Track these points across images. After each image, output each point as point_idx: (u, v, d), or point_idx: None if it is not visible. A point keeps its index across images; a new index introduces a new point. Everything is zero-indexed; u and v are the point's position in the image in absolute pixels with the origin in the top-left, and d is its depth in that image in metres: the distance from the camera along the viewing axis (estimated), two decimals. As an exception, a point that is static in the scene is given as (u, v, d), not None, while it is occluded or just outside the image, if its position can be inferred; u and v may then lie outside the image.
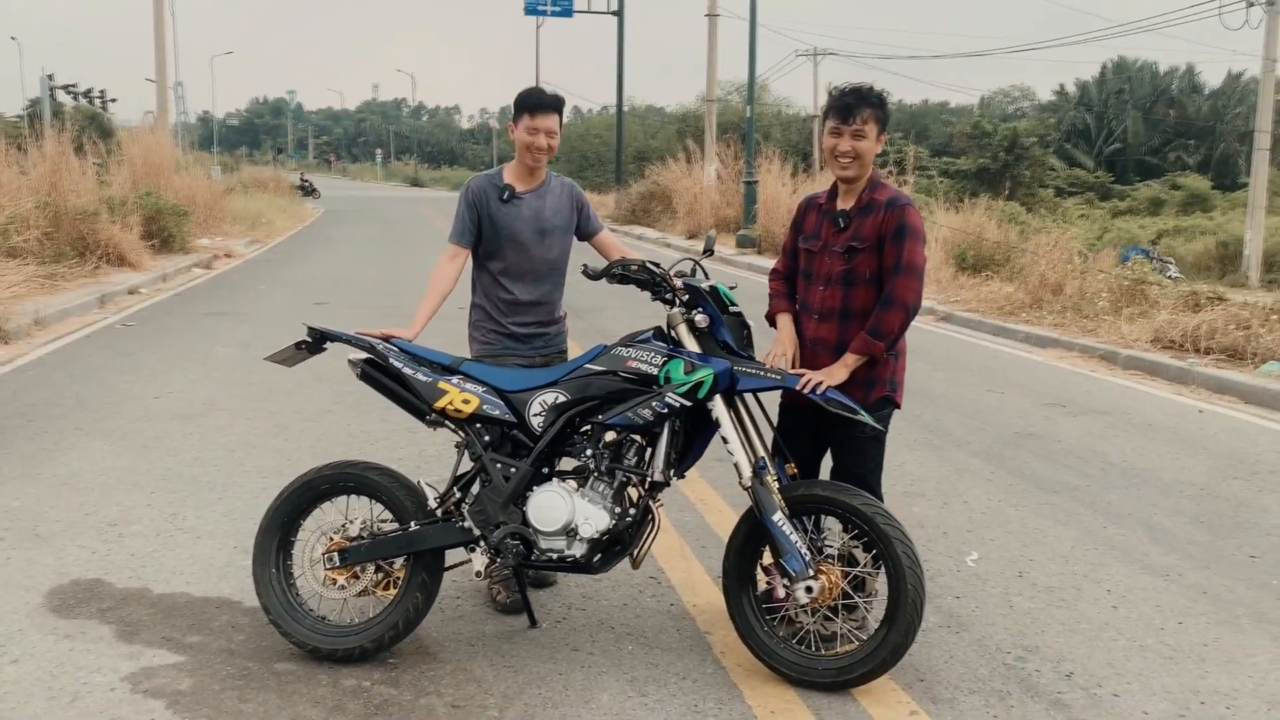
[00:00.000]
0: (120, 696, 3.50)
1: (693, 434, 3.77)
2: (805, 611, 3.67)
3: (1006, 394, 8.70)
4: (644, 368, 3.66)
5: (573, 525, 3.66)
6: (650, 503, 3.73)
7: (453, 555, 3.86)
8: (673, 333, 3.76)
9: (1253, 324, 9.98)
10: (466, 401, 3.75)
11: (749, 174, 23.34)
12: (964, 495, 5.87)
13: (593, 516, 3.65)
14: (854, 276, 3.85)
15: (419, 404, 3.81)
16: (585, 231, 4.46)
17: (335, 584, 3.83)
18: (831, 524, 3.75)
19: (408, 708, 3.47)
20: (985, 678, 3.75)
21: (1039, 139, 49.70)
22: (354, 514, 3.89)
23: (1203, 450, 7.01)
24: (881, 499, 3.85)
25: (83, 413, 7.29)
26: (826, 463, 4.08)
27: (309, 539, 3.90)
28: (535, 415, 3.74)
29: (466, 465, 3.88)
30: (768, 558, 3.71)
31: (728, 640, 3.91)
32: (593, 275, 3.88)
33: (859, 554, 3.67)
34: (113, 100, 32.16)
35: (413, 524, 3.77)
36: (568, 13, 34.54)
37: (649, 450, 3.72)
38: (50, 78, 26.49)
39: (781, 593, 3.66)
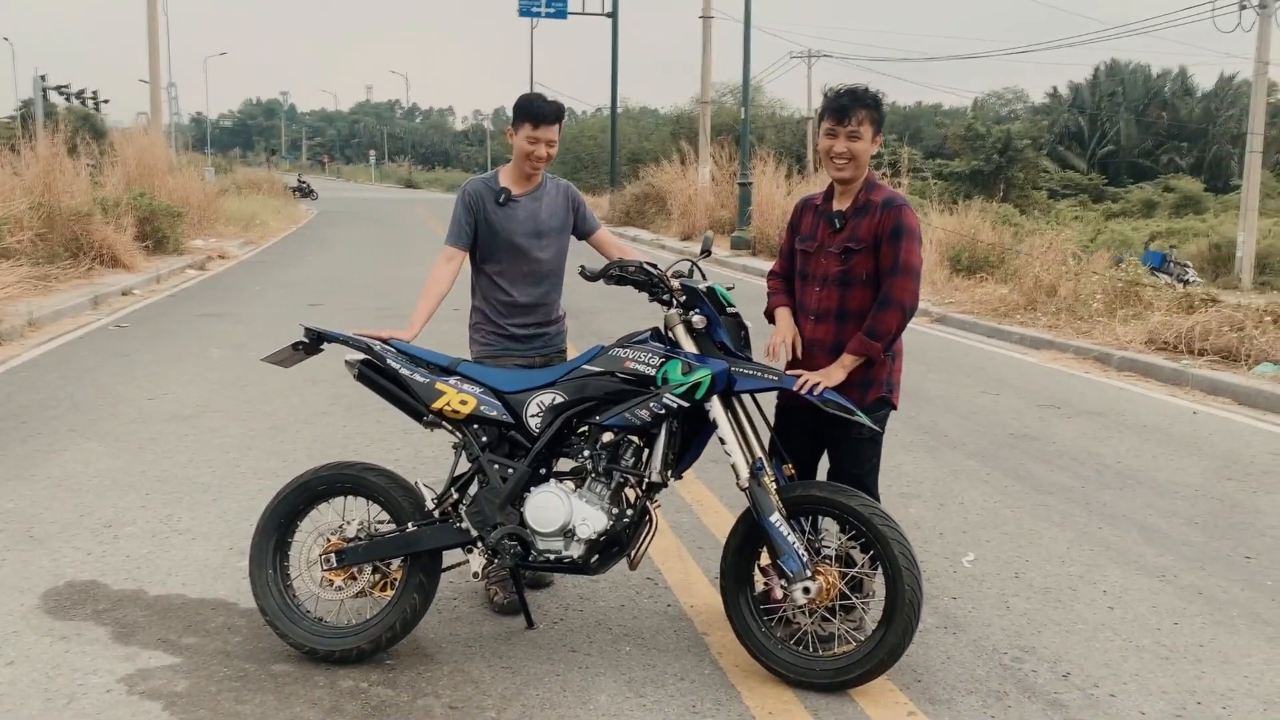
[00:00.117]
0: (116, 698, 3.49)
1: (690, 435, 3.77)
2: (803, 612, 3.67)
3: (1001, 395, 8.72)
4: (641, 369, 3.66)
5: (570, 526, 3.66)
6: (648, 503, 3.73)
7: (450, 556, 3.86)
8: (670, 334, 3.76)
9: (1246, 325, 10.01)
10: (464, 402, 3.75)
11: (743, 176, 23.35)
12: (960, 496, 5.88)
13: (590, 517, 3.65)
14: (850, 277, 3.85)
15: (416, 405, 3.80)
16: (582, 231, 4.47)
17: (332, 585, 3.82)
18: (829, 525, 3.76)
19: (405, 709, 3.46)
20: (982, 678, 3.76)
21: (1032, 141, 49.82)
22: (351, 515, 3.89)
23: (1197, 451, 7.03)
24: (878, 500, 3.85)
25: (77, 414, 7.28)
26: (824, 464, 4.09)
27: (306, 540, 3.89)
28: (533, 416, 3.74)
29: (464, 466, 3.88)
30: (765, 558, 3.71)
31: (725, 641, 3.91)
32: (590, 276, 3.88)
33: (856, 555, 3.67)
34: (105, 101, 31.97)
35: (410, 525, 3.77)
36: (562, 14, 34.53)
37: (646, 451, 3.72)
38: (43, 78, 26.37)
39: (779, 593, 3.66)
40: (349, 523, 3.86)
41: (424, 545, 3.75)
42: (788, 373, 3.77)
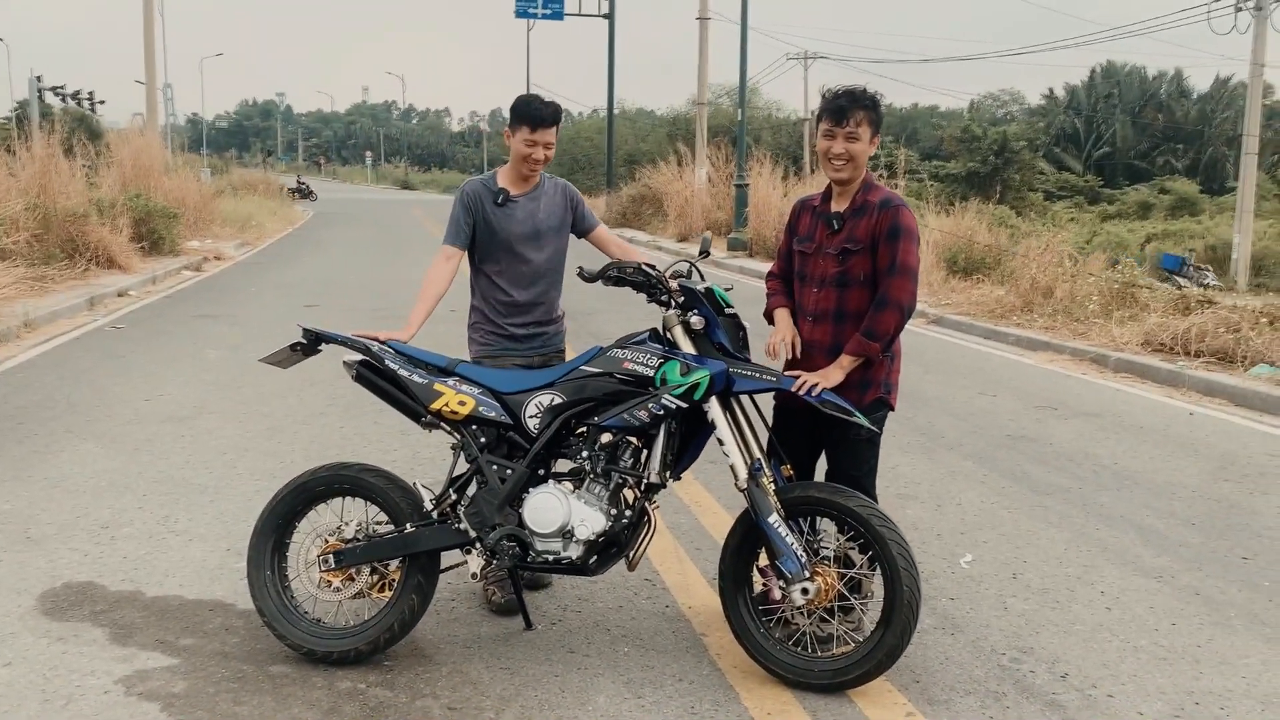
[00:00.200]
0: (114, 699, 3.48)
1: (688, 436, 3.77)
2: (801, 613, 3.67)
3: (998, 397, 8.73)
4: (640, 369, 3.66)
5: (569, 527, 3.65)
6: (646, 504, 3.73)
7: (449, 557, 3.86)
8: (668, 334, 3.76)
9: (1242, 327, 10.03)
10: (462, 403, 3.75)
11: (740, 177, 23.36)
12: (957, 497, 5.89)
13: (589, 518, 3.65)
14: (848, 278, 3.85)
15: (414, 406, 3.80)
16: (582, 229, 4.48)
17: (330, 586, 3.82)
18: (827, 526, 3.76)
19: (404, 710, 3.46)
20: (981, 679, 3.76)
21: (1028, 143, 49.91)
22: (349, 516, 3.88)
23: (1194, 452, 7.04)
24: (876, 501, 3.85)
25: (73, 415, 7.26)
26: (821, 464, 4.09)
27: (304, 541, 3.89)
28: (531, 417, 3.73)
29: (462, 467, 3.87)
30: (764, 559, 3.71)
31: (724, 642, 3.91)
32: (588, 278, 3.87)
33: (855, 556, 3.67)
34: (101, 102, 31.96)
35: (408, 526, 3.76)
36: (558, 15, 34.50)
37: (645, 452, 3.72)
38: (38, 79, 26.32)
39: (778, 594, 3.66)
40: (347, 524, 3.85)
41: (422, 546, 3.74)
42: (786, 374, 3.77)
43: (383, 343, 3.88)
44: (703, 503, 5.57)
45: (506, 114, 4.31)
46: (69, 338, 10.58)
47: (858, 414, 3.63)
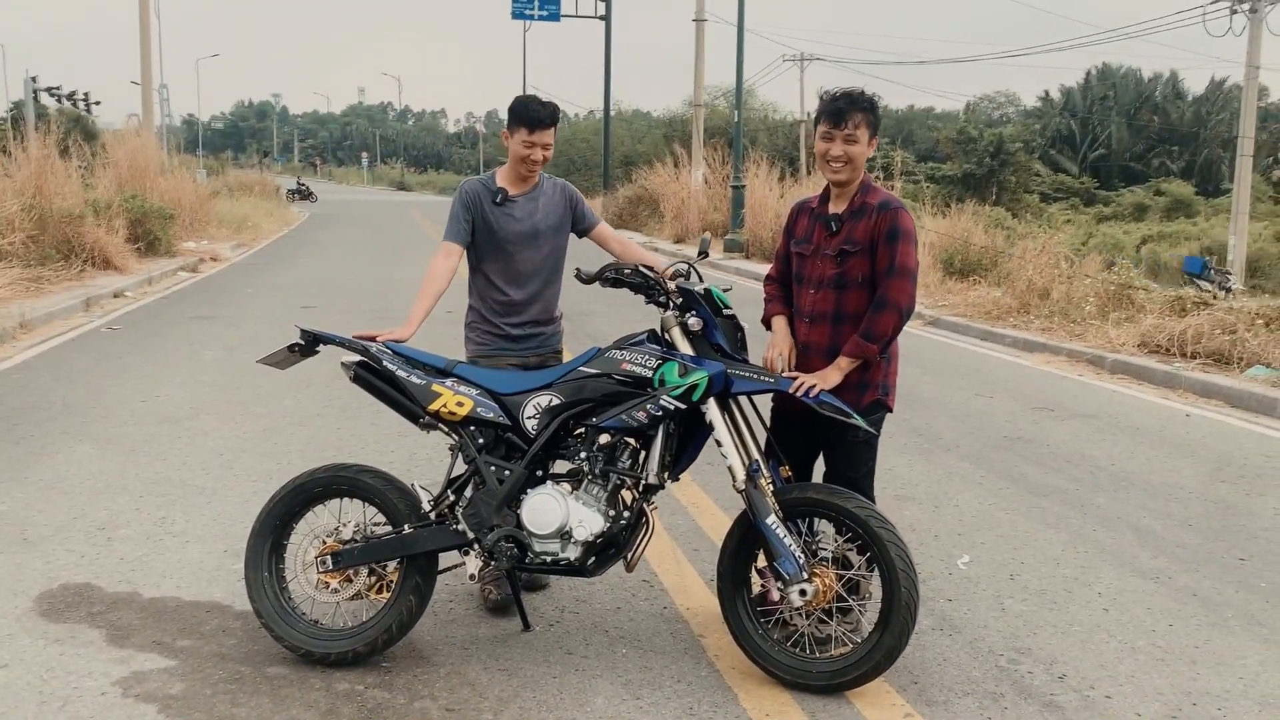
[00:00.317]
0: (111, 701, 3.47)
1: (686, 437, 3.77)
2: (800, 614, 3.67)
3: (995, 398, 8.73)
4: (638, 370, 3.66)
5: (567, 528, 3.65)
6: (644, 505, 3.72)
7: (447, 559, 3.85)
8: (667, 336, 3.76)
9: (1238, 328, 10.05)
10: (460, 404, 3.75)
11: (736, 178, 23.37)
12: (954, 499, 5.89)
13: (587, 519, 3.65)
14: (846, 280, 3.85)
15: (412, 407, 3.80)
16: (582, 227, 4.48)
17: (328, 587, 3.81)
18: (825, 527, 3.76)
19: (402, 711, 3.45)
20: (978, 680, 3.76)
21: (1024, 145, 50.00)
22: (347, 517, 3.88)
23: (1190, 454, 7.05)
24: (873, 502, 3.85)
25: (69, 416, 7.25)
26: (819, 466, 4.09)
27: (302, 542, 3.88)
28: (529, 418, 3.73)
29: (460, 468, 3.87)
30: (762, 560, 3.71)
31: (722, 643, 3.91)
32: (586, 279, 3.87)
33: (853, 557, 3.67)
34: (97, 103, 31.78)
35: (406, 527, 3.76)
36: (555, 17, 34.50)
37: (643, 453, 3.72)
38: (34, 80, 26.25)
39: (776, 595, 3.66)
40: (345, 525, 3.85)
41: (420, 547, 3.74)
42: (784, 375, 3.77)
43: (381, 344, 3.88)
44: (700, 504, 5.57)
45: (502, 115, 4.33)
46: (65, 339, 10.56)
47: (855, 415, 3.63)
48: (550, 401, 3.73)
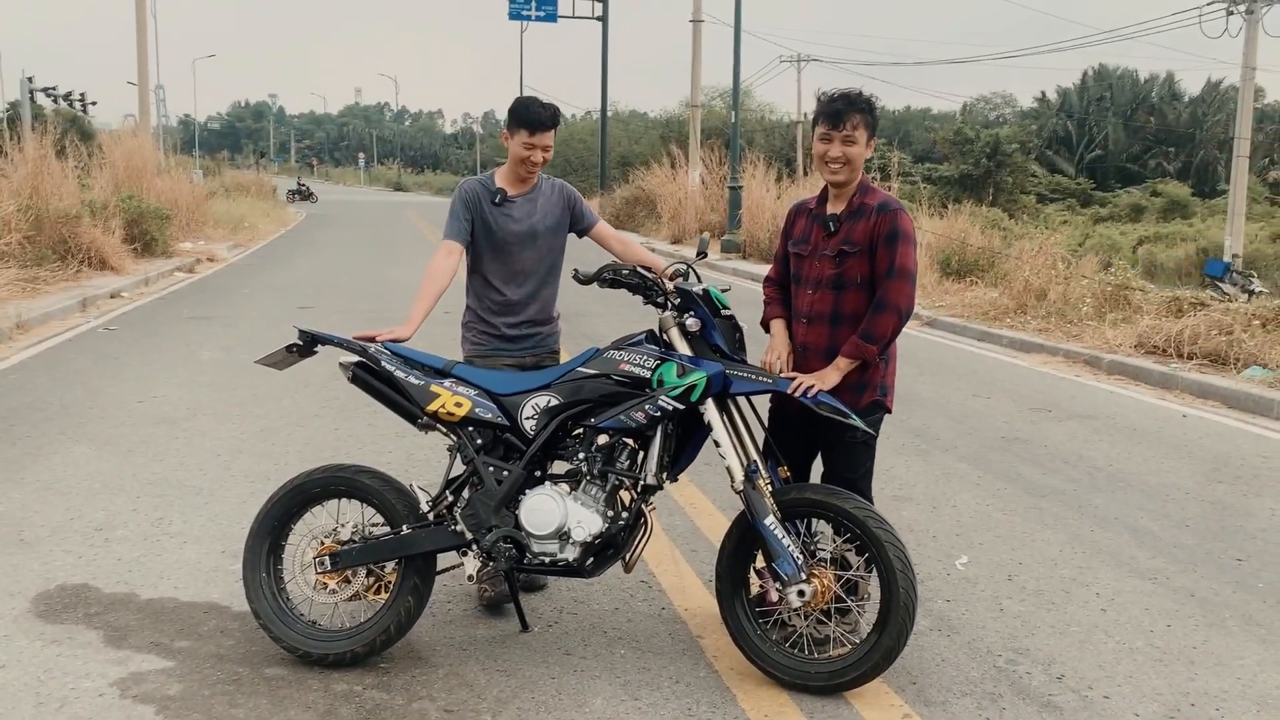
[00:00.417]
0: (109, 702, 3.47)
1: (685, 438, 3.77)
2: (798, 615, 3.67)
3: (993, 399, 8.74)
4: (637, 371, 3.66)
5: (565, 529, 3.65)
6: (643, 506, 3.72)
7: (445, 559, 3.85)
8: (665, 336, 3.76)
9: (1235, 329, 10.06)
10: (459, 405, 3.74)
11: (733, 179, 23.38)
12: (952, 499, 5.89)
13: (585, 520, 3.65)
14: (844, 281, 3.86)
15: (411, 407, 3.79)
16: (581, 227, 4.48)
17: (326, 588, 3.80)
18: (823, 528, 3.76)
19: (400, 712, 3.45)
20: (977, 680, 3.77)
21: (1021, 145, 49.96)
22: (345, 518, 3.87)
23: (1187, 454, 7.06)
24: (871, 503, 3.85)
25: (66, 417, 7.24)
26: (817, 466, 4.09)
27: (300, 543, 3.88)
28: (528, 418, 3.73)
29: (459, 469, 3.87)
30: (760, 561, 3.71)
31: (720, 644, 3.91)
32: (584, 280, 3.87)
33: (851, 558, 3.67)
34: (93, 103, 31.81)
35: (404, 528, 3.76)
36: (552, 18, 34.56)
37: (641, 454, 3.72)
38: (30, 80, 26.22)
39: (774, 596, 3.66)
40: (343, 525, 3.85)
41: (418, 548, 3.73)
42: (782, 375, 3.78)
43: (380, 344, 3.87)
44: (698, 505, 5.57)
45: (500, 116, 4.37)
46: (61, 339, 10.55)
47: (854, 416, 3.63)
48: (549, 402, 3.73)
